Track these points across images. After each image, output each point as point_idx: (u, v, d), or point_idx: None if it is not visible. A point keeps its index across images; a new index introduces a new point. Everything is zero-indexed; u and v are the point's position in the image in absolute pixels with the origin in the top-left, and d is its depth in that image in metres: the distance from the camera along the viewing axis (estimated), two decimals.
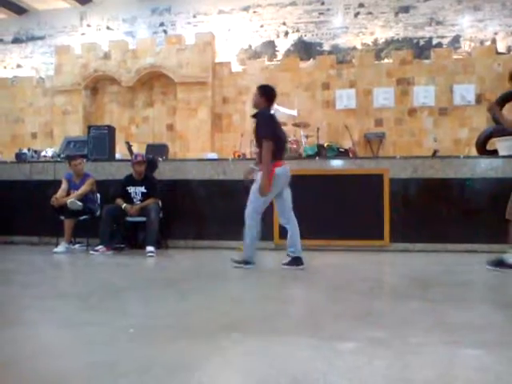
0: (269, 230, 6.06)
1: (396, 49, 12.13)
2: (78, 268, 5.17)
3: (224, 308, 2.98)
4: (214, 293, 3.52)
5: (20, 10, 14.55)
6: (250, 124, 11.70)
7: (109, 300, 3.21)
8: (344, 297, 3.20)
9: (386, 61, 12.02)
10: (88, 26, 14.40)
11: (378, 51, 12.31)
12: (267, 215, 6.08)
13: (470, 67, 11.24)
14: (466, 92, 11.12)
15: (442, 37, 12.18)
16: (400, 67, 11.55)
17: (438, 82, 11.32)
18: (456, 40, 12.10)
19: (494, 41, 11.87)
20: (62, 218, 5.97)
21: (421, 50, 12.14)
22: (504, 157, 6.17)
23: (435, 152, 8.82)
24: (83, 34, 14.32)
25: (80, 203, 5.89)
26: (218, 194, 6.36)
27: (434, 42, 12.20)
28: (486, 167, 6.01)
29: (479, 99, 11.07)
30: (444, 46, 12.00)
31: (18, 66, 14.76)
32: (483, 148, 7.37)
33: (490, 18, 11.98)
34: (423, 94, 11.37)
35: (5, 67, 14.82)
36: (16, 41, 14.88)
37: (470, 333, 2.41)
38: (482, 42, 11.91)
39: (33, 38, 14.72)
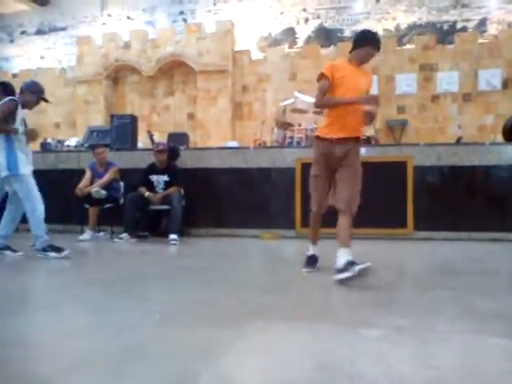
0: (290, 217, 6.07)
1: (419, 34, 11.88)
2: (103, 255, 5.26)
3: (247, 295, 3.00)
4: (238, 280, 3.54)
5: (42, 2, 14.70)
6: (270, 111, 11.69)
7: (134, 287, 3.27)
8: (368, 285, 3.19)
9: (408, 46, 11.79)
10: (108, 15, 14.48)
11: (401, 37, 12.09)
12: (287, 198, 6.08)
13: (497, 51, 10.95)
14: (491, 77, 10.86)
15: (468, 20, 11.88)
16: (423, 53, 11.33)
17: (462, 67, 11.08)
18: (482, 23, 11.78)
19: None
20: (87, 206, 6.08)
21: (444, 34, 11.87)
22: None
23: (459, 139, 8.66)
24: (104, 23, 14.41)
25: (104, 191, 5.97)
26: (239, 183, 6.37)
27: (459, 25, 11.91)
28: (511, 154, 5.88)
29: (506, 84, 10.80)
30: (469, 30, 11.71)
31: (42, 57, 14.96)
32: (510, 135, 7.20)
33: None
34: (446, 80, 11.15)
35: (28, 59, 15.03)
36: (39, 32, 15.05)
37: (497, 322, 2.38)
38: (510, 25, 11.57)
39: (55, 29, 14.88)
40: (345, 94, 3.48)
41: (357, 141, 3.60)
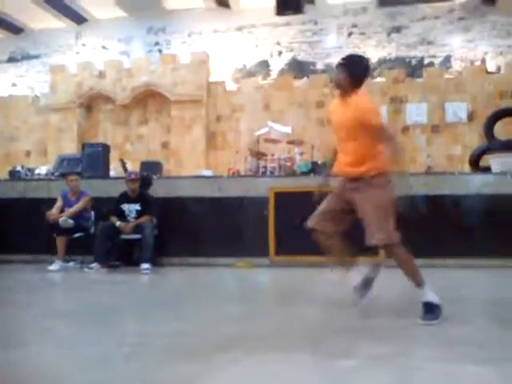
0: (263, 244, 6.04)
1: (389, 68, 12.29)
2: (72, 286, 5.10)
3: (221, 326, 2.94)
4: (211, 311, 3.48)
5: (16, 30, 14.63)
6: (244, 141, 11.78)
7: (104, 318, 3.16)
8: (344, 313, 3.17)
9: (378, 79, 12.16)
10: (83, 45, 14.49)
11: (371, 70, 12.47)
12: (260, 227, 6.07)
13: (462, 86, 11.41)
14: (458, 109, 11.26)
15: (434, 56, 12.38)
16: (393, 86, 11.70)
17: (431, 100, 11.46)
18: (447, 60, 12.29)
19: (483, 60, 12.07)
20: (54, 235, 5.92)
21: (413, 69, 12.32)
22: (497, 173, 6.22)
23: (429, 168, 8.89)
24: (78, 52, 14.40)
25: (71, 221, 5.85)
26: (214, 211, 6.33)
27: (426, 61, 12.39)
28: (479, 183, 6.04)
29: (471, 117, 11.21)
30: (436, 66, 12.18)
31: (13, 84, 14.78)
32: (477, 165, 7.43)
33: (479, 38, 12.20)
34: (416, 112, 11.50)
35: None
36: (11, 60, 14.92)
37: (472, 348, 2.39)
38: (472, 62, 12.10)
39: (28, 57, 14.78)
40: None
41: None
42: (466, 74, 11.64)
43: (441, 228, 5.97)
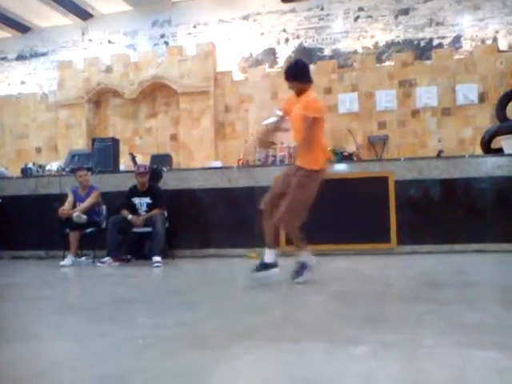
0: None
1: (397, 51, 12.12)
2: (85, 280, 5.16)
3: (234, 316, 2.95)
4: (223, 301, 3.49)
5: (24, 29, 14.70)
6: (253, 131, 11.73)
7: (117, 311, 3.20)
8: (354, 301, 3.17)
9: (387, 63, 12.01)
10: (90, 40, 14.50)
11: (379, 54, 12.31)
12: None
13: (472, 66, 11.20)
14: (468, 91, 11.08)
15: (443, 37, 12.16)
16: (401, 69, 11.53)
17: (441, 82, 11.29)
18: (457, 40, 12.07)
19: (495, 39, 11.84)
20: (68, 230, 5.98)
21: (422, 51, 12.13)
22: (509, 155, 6.13)
23: (440, 152, 8.79)
24: (85, 48, 14.42)
25: (85, 216, 5.90)
26: (224, 202, 6.35)
27: (435, 42, 12.18)
28: (491, 166, 5.97)
29: (482, 98, 11.03)
30: (445, 47, 11.98)
31: (22, 82, 14.87)
32: (488, 146, 7.33)
33: (490, 16, 11.95)
34: (426, 95, 11.34)
35: (9, 84, 14.94)
36: (20, 58, 15.00)
37: (484, 334, 2.37)
38: (483, 41, 11.88)
39: (36, 55, 14.84)
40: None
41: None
42: (476, 53, 11.42)
43: (452, 213, 5.92)
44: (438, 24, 12.22)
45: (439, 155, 8.24)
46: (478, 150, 8.37)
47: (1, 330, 2.86)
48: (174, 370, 2.00)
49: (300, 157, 4.02)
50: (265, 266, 3.93)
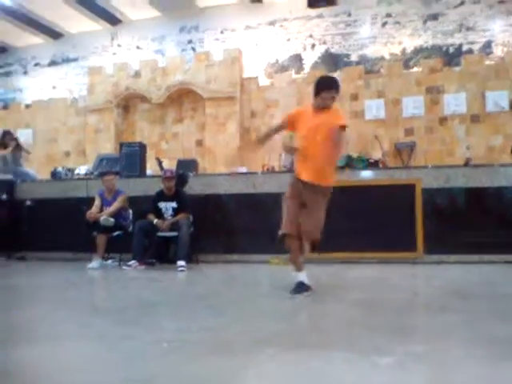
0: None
1: (425, 57, 11.96)
2: (111, 283, 5.23)
3: (257, 322, 2.95)
4: (247, 307, 3.50)
5: (56, 35, 15.09)
6: (278, 137, 11.71)
7: (143, 315, 3.23)
8: (379, 310, 3.13)
9: (414, 69, 11.86)
10: (118, 45, 14.77)
11: (407, 60, 12.17)
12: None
13: (504, 72, 10.96)
14: (499, 98, 10.84)
15: (473, 43, 11.95)
16: (429, 75, 11.37)
17: (469, 88, 11.08)
18: (488, 45, 11.84)
19: None
20: (95, 233, 6.09)
21: (450, 57, 11.94)
22: None
23: (468, 160, 8.61)
24: (114, 53, 14.70)
25: (112, 219, 6.00)
26: (248, 208, 6.36)
27: (464, 48, 11.97)
28: None
29: None
30: (475, 52, 11.77)
31: (54, 87, 15.24)
32: None
33: None
34: (454, 102, 11.15)
35: (41, 89, 15.33)
36: (52, 64, 15.39)
37: None
38: None
39: (67, 60, 15.20)
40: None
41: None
42: (508, 59, 11.18)
43: (481, 222, 5.79)
44: (468, 29, 12.02)
45: (467, 163, 8.08)
46: (506, 159, 8.18)
47: (28, 331, 2.93)
48: (198, 374, 2.01)
49: (319, 172, 3.80)
50: (303, 288, 3.74)
